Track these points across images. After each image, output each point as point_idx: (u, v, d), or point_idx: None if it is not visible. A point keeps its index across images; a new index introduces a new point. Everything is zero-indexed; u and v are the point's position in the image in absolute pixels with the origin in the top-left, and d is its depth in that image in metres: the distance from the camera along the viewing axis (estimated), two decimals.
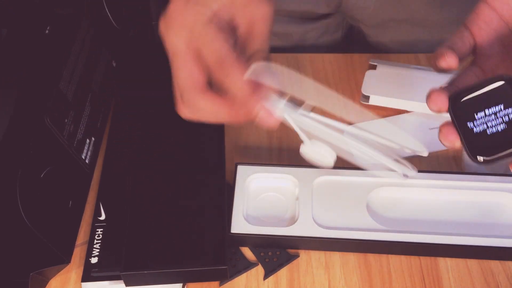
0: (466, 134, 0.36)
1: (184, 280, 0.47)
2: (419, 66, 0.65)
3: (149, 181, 0.52)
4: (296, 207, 0.51)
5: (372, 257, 0.49)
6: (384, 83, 0.62)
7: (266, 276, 0.48)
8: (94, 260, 0.48)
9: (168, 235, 0.48)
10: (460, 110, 0.37)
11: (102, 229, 0.50)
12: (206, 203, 0.51)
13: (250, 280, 0.48)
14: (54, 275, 0.49)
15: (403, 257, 0.49)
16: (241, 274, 0.48)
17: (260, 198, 0.53)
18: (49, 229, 0.46)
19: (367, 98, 0.61)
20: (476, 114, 0.36)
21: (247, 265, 0.49)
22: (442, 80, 0.62)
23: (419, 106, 0.60)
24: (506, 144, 0.34)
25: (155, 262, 0.46)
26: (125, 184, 0.53)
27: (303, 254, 0.50)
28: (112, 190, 0.53)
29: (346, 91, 0.64)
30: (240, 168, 0.54)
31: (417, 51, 0.72)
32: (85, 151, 0.54)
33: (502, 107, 0.35)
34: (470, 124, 0.36)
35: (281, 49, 0.77)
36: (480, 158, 0.36)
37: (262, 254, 0.50)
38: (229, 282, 0.48)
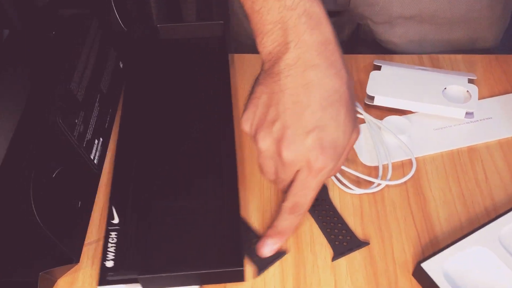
0: None
1: (201, 282, 0.47)
2: (423, 67, 0.66)
3: (163, 184, 0.52)
4: (507, 275, 0.47)
5: (378, 257, 0.50)
6: (388, 84, 0.62)
7: (335, 258, 0.49)
8: (109, 263, 0.48)
9: (184, 237, 0.48)
10: None
11: (116, 233, 0.50)
12: (221, 204, 0.51)
13: (256, 278, 0.49)
14: (62, 274, 0.49)
15: (409, 257, 0.49)
16: (272, 264, 0.49)
17: (472, 286, 0.47)
18: (60, 229, 0.47)
19: (371, 98, 0.61)
20: None
21: (277, 256, 0.50)
22: (446, 81, 0.62)
23: (423, 107, 0.60)
24: None
25: (172, 265, 0.46)
26: (136, 187, 0.53)
27: (309, 254, 0.50)
28: (124, 193, 0.53)
29: None
30: (426, 265, 0.47)
31: (425, 49, 0.72)
32: (93, 151, 0.54)
33: None
34: None
35: None
36: None
37: (332, 237, 0.51)
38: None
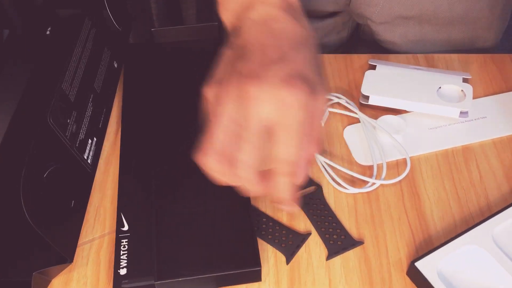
0: None
1: (218, 284, 0.47)
2: (418, 67, 0.66)
3: (171, 188, 0.52)
4: (500, 274, 0.47)
5: (372, 256, 0.50)
6: (383, 83, 0.62)
7: (329, 257, 0.49)
8: (123, 271, 0.47)
9: (196, 239, 0.48)
10: None
11: (126, 240, 0.49)
12: (231, 204, 0.50)
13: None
14: (56, 274, 0.49)
15: (403, 256, 0.50)
16: (299, 249, 0.50)
17: (466, 285, 0.47)
18: (52, 229, 0.47)
19: (366, 98, 0.62)
20: None
21: (302, 240, 0.51)
22: (440, 80, 0.62)
23: (418, 106, 0.61)
24: None
25: (188, 269, 0.46)
26: (144, 192, 0.52)
27: (304, 253, 0.50)
28: (132, 199, 0.53)
29: (345, 91, 0.65)
30: (420, 264, 0.47)
31: (424, 49, 0.73)
32: (87, 151, 0.54)
33: None
34: None
35: None
36: None
37: (327, 236, 0.51)
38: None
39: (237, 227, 0.49)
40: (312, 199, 0.54)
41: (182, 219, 0.50)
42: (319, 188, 0.55)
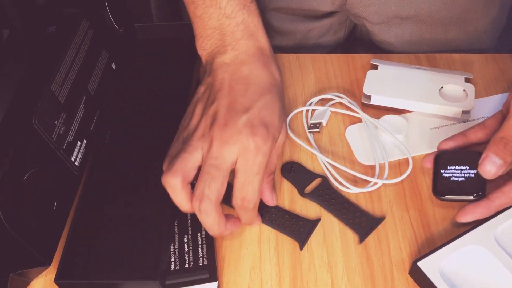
0: (436, 176, 0.50)
1: None
2: (420, 66, 0.66)
3: (101, 188, 0.52)
4: (503, 273, 0.47)
5: (374, 256, 0.50)
6: (385, 83, 0.62)
7: (361, 239, 0.50)
8: None
9: (109, 245, 0.48)
10: (441, 161, 0.51)
11: None
12: (152, 214, 0.50)
13: (253, 277, 0.49)
14: (35, 276, 0.49)
15: (405, 256, 0.49)
16: (311, 235, 0.51)
17: (468, 285, 0.47)
18: (30, 232, 0.46)
19: (368, 97, 0.61)
20: (449, 166, 0.50)
21: (312, 226, 0.52)
22: (442, 80, 0.62)
23: (420, 106, 0.60)
24: (461, 192, 0.49)
25: (90, 273, 0.46)
26: (86, 192, 0.53)
27: (306, 253, 0.50)
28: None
29: (347, 90, 0.65)
30: (422, 264, 0.47)
31: (421, 50, 0.73)
32: (75, 153, 0.53)
33: (468, 168, 0.49)
34: (442, 171, 0.50)
35: (283, 48, 0.77)
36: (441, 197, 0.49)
37: (350, 221, 0.52)
38: (232, 276, 0.48)
39: (150, 237, 0.48)
40: (322, 190, 0.54)
41: (101, 222, 0.49)
42: (324, 178, 0.55)
